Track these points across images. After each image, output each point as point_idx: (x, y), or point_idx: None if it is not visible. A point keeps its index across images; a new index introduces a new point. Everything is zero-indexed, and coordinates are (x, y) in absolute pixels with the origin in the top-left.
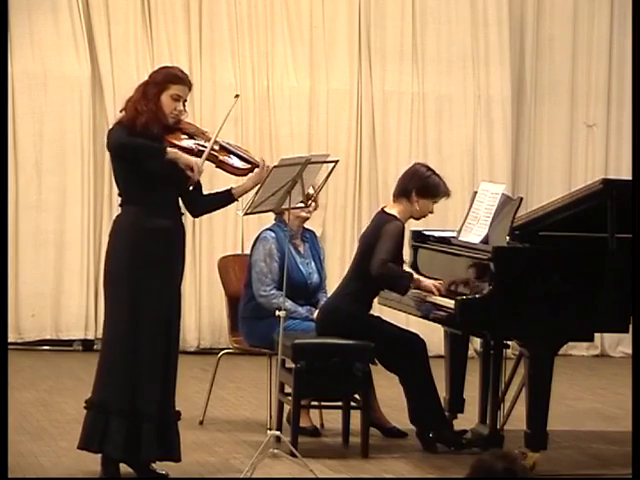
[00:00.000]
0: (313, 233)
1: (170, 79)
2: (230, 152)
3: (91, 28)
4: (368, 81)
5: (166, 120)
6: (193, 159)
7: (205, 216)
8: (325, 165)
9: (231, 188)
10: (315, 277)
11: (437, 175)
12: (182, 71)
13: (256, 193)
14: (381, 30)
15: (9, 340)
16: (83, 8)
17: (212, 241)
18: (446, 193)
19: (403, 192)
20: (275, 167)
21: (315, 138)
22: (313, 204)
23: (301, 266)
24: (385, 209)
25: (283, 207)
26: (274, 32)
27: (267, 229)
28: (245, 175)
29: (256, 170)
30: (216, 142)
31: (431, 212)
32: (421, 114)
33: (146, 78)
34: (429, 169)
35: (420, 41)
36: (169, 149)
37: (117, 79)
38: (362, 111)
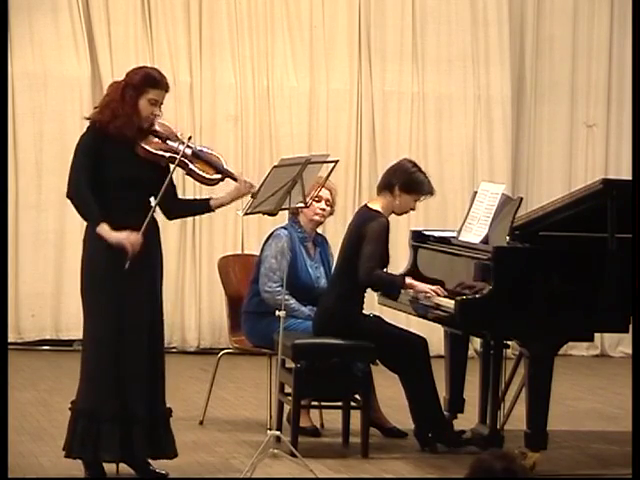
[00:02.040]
0: (325, 239)
1: (149, 83)
2: (203, 160)
3: (91, 28)
4: (368, 81)
5: (141, 124)
6: (123, 236)
7: (205, 216)
8: (325, 165)
9: (210, 198)
10: (322, 282)
11: (423, 172)
12: (161, 74)
13: (256, 193)
14: (381, 30)
15: (9, 340)
16: (83, 8)
17: (212, 241)
18: (430, 192)
19: (387, 186)
20: (275, 167)
21: (315, 138)
22: (329, 209)
23: (310, 269)
24: (368, 204)
25: (283, 207)
26: (274, 32)
27: (281, 227)
28: (214, 185)
29: (235, 185)
30: (189, 147)
31: (412, 209)
32: (421, 114)
33: (123, 77)
34: (415, 165)
35: (420, 41)
36: (100, 229)
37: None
38: (362, 111)
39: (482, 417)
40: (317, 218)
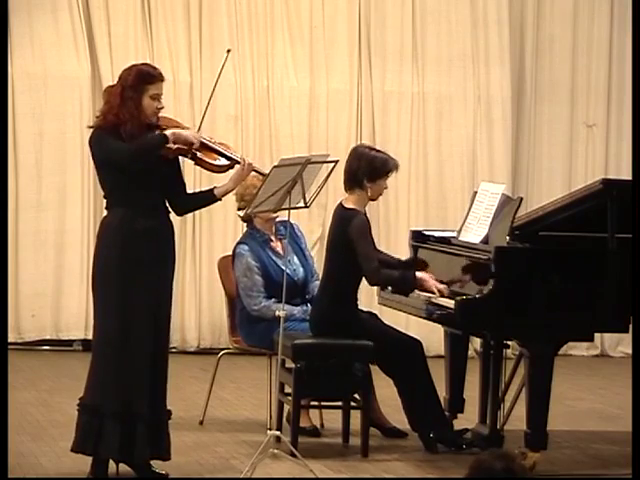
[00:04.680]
0: (288, 224)
1: (146, 80)
2: (210, 149)
3: (91, 28)
4: (368, 81)
5: (149, 121)
6: (187, 132)
7: (205, 216)
8: (325, 165)
9: (214, 188)
10: (300, 271)
11: (380, 151)
12: (153, 67)
13: (256, 193)
14: (381, 30)
15: (9, 340)
16: (83, 8)
17: (212, 241)
18: (395, 166)
19: (354, 182)
20: (275, 167)
21: (315, 138)
22: None
23: (283, 267)
24: (343, 203)
25: (283, 207)
26: (274, 32)
27: (240, 242)
28: (224, 172)
29: (237, 168)
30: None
31: (386, 188)
32: (421, 114)
33: (118, 80)
34: (370, 148)
35: (420, 41)
36: (169, 135)
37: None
38: (362, 111)
39: (482, 417)
40: (272, 215)
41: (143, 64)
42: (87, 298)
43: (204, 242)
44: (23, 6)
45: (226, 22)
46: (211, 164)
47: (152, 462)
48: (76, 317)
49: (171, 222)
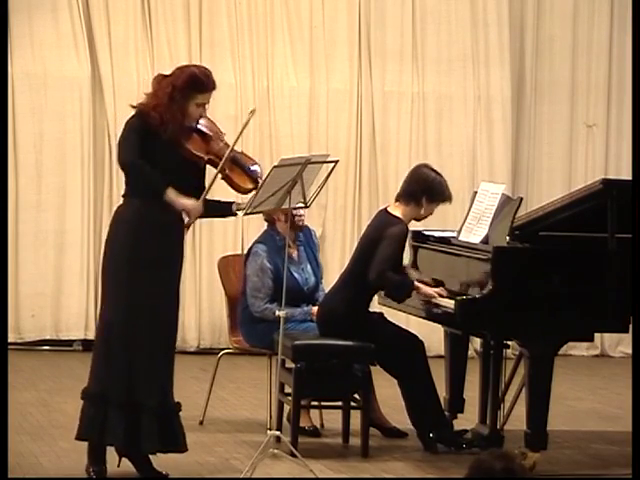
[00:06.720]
0: (306, 229)
1: (197, 88)
2: (241, 168)
3: (91, 28)
4: (368, 81)
5: (190, 124)
6: (189, 203)
7: None
8: (325, 165)
9: (233, 202)
10: (312, 280)
11: (442, 177)
12: (207, 74)
13: (256, 193)
14: (381, 30)
15: (9, 340)
16: (83, 8)
17: (212, 241)
18: (450, 197)
19: (412, 196)
20: (275, 167)
21: (315, 138)
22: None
23: (296, 274)
24: (388, 210)
25: (283, 207)
26: (274, 32)
27: (258, 242)
28: (247, 194)
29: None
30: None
31: (431, 214)
32: (421, 114)
33: (170, 75)
34: (435, 172)
35: (420, 41)
36: (169, 193)
37: (117, 79)
38: (362, 111)
39: (482, 417)
40: (300, 224)
41: (198, 68)
42: (87, 298)
43: (204, 242)
44: (23, 6)
45: (226, 22)
46: (238, 185)
47: (155, 462)
48: (76, 317)
49: (182, 218)
